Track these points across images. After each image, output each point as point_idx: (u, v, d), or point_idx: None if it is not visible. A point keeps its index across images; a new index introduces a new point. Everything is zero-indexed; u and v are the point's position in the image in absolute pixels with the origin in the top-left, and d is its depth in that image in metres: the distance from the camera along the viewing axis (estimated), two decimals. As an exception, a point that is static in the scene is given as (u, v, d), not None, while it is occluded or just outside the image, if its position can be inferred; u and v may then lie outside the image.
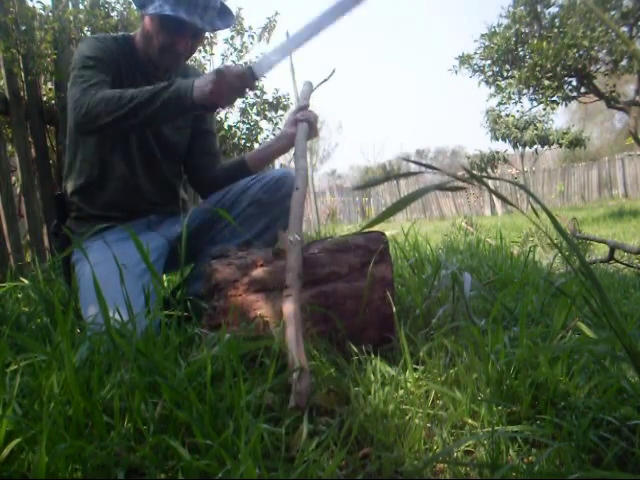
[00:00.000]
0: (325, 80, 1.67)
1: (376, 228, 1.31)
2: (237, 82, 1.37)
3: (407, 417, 0.84)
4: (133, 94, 1.36)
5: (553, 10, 8.40)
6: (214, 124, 1.83)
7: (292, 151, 1.72)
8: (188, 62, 1.75)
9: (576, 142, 14.84)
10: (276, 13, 3.72)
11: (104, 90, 1.40)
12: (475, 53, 9.15)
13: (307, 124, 1.56)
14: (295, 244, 1.16)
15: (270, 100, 3.77)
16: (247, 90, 1.43)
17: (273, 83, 4.27)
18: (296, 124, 1.59)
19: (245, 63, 3.63)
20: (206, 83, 1.35)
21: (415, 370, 0.99)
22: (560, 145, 15.03)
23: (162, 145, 1.65)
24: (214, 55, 3.58)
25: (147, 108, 1.36)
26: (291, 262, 1.12)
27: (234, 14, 1.65)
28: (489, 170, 15.99)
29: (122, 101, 1.35)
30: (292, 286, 1.05)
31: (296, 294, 1.03)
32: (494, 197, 15.76)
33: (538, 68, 8.14)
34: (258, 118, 3.78)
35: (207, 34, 3.31)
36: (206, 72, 3.51)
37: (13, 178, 2.56)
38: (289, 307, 1.00)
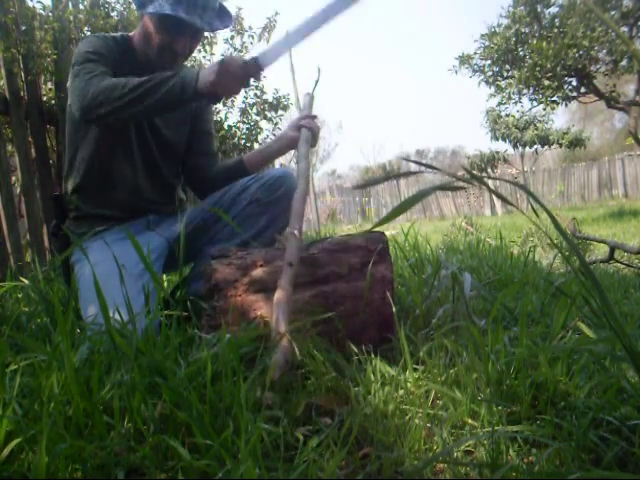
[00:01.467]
0: (317, 82, 1.68)
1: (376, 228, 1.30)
2: (240, 72, 1.36)
3: (407, 417, 0.84)
4: (138, 81, 1.36)
5: (553, 10, 8.41)
6: (212, 125, 1.83)
7: (292, 152, 1.73)
8: (186, 63, 1.75)
9: (576, 142, 14.84)
10: (276, 13, 3.72)
11: (109, 79, 1.41)
12: (475, 53, 9.15)
13: (310, 132, 1.57)
14: (292, 238, 1.20)
15: (270, 100, 3.77)
16: (251, 80, 1.41)
17: (273, 83, 4.25)
18: (299, 129, 1.59)
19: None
20: (209, 73, 1.34)
21: (415, 370, 0.99)
22: (560, 145, 15.03)
23: (161, 145, 1.65)
24: (214, 55, 3.58)
25: (151, 96, 1.35)
26: (286, 254, 1.17)
27: (232, 15, 1.65)
28: (489, 170, 15.99)
29: (126, 88, 1.35)
30: (284, 272, 1.12)
31: (285, 280, 1.09)
32: (494, 197, 15.77)
33: (538, 68, 8.13)
34: (258, 118, 3.77)
35: (207, 34, 3.31)
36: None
37: (13, 178, 2.56)
38: (278, 293, 1.08)
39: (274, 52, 1.42)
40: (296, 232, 1.21)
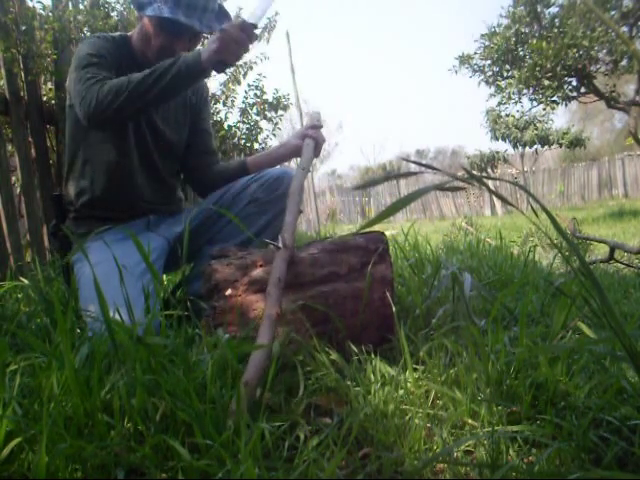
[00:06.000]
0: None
1: (376, 228, 1.31)
2: (240, 34, 1.38)
3: (407, 417, 0.84)
4: (143, 75, 1.38)
5: (553, 10, 8.40)
6: (210, 124, 1.84)
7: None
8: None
9: (576, 142, 14.83)
10: (276, 13, 3.71)
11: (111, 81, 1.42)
12: (475, 53, 9.15)
13: (314, 143, 1.58)
14: (280, 249, 1.15)
15: (270, 100, 3.77)
16: (250, 42, 1.44)
17: (273, 83, 4.25)
18: (304, 138, 1.60)
19: (245, 63, 3.63)
20: (211, 43, 1.37)
21: (415, 370, 0.99)
22: (560, 145, 15.02)
23: (159, 144, 1.65)
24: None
25: (159, 83, 1.37)
26: (273, 268, 1.11)
27: (231, 16, 1.65)
28: (489, 170, 15.99)
29: (132, 84, 1.37)
30: (269, 293, 1.05)
31: (272, 300, 1.03)
32: (494, 197, 15.76)
33: (538, 68, 8.13)
34: (258, 118, 3.77)
35: (207, 35, 3.31)
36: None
37: (13, 178, 2.56)
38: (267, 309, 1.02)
39: (259, 10, 1.47)
40: (286, 242, 1.16)
